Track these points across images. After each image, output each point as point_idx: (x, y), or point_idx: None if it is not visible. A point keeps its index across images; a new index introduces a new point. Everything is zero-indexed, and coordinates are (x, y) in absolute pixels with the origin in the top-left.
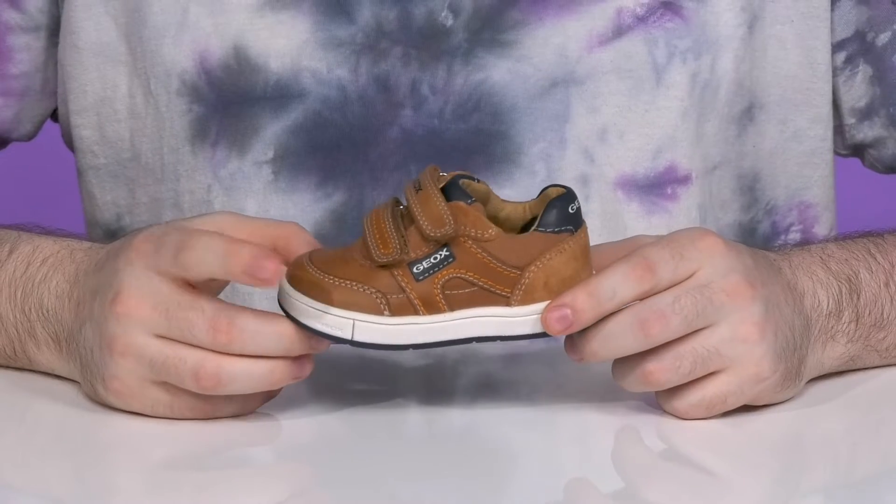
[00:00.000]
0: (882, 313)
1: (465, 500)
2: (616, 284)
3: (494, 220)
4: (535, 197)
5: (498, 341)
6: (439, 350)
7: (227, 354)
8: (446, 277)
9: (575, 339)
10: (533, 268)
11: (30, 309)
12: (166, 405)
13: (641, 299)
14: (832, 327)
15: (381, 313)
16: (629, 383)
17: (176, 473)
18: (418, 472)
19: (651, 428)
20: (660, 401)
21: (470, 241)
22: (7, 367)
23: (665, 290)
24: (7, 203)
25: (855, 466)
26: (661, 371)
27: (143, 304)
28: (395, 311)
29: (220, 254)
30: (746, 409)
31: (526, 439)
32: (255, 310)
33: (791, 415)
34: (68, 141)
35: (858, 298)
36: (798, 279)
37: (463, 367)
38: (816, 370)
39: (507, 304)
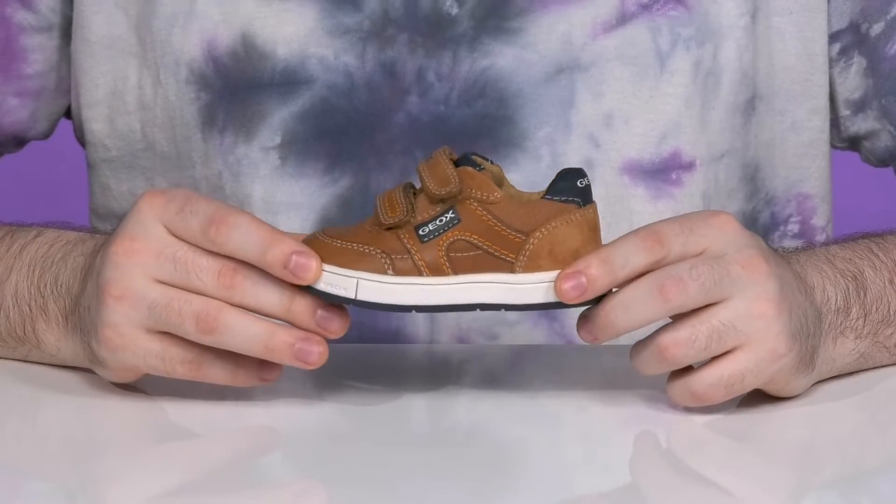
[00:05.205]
0: (888, 309)
1: (470, 498)
2: (628, 252)
3: None
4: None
5: (503, 310)
6: (444, 348)
7: (233, 306)
8: (451, 239)
9: (590, 315)
10: (538, 234)
11: (45, 285)
12: (158, 356)
13: (651, 271)
14: (841, 323)
15: (384, 273)
16: (646, 363)
17: (182, 481)
18: (424, 471)
19: (655, 426)
20: (675, 391)
21: (475, 203)
22: (14, 360)
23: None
24: (6, 202)
25: (864, 467)
26: (677, 346)
27: (147, 247)
28: (399, 272)
29: (261, 240)
30: (752, 407)
31: (530, 438)
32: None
33: (798, 411)
34: (80, 136)
35: (865, 295)
36: (807, 274)
37: (468, 365)
38: (828, 366)
39: (512, 269)
